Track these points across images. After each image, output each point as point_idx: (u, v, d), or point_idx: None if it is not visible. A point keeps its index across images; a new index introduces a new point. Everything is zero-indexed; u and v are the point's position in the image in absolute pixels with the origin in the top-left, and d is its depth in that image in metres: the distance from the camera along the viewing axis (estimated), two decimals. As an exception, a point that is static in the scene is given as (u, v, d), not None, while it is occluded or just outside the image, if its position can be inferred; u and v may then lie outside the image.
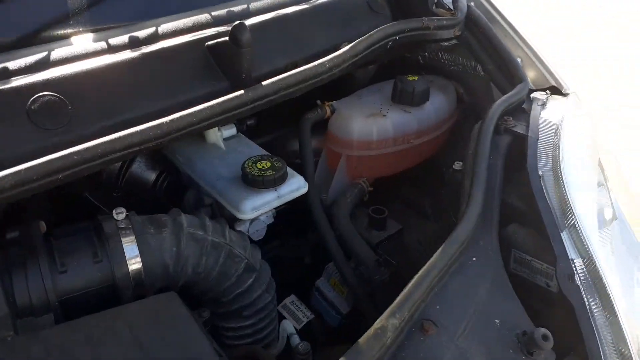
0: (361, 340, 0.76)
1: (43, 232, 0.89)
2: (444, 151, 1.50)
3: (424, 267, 0.86)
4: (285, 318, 1.18)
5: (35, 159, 0.78)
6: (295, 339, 0.95)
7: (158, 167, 1.29)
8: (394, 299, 1.21)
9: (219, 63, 1.07)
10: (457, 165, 1.29)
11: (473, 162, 1.07)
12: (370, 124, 1.29)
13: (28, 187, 0.76)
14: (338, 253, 1.20)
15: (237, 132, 1.22)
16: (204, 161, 1.11)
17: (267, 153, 1.15)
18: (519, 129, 1.17)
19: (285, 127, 1.41)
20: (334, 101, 1.35)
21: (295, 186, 1.05)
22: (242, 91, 0.98)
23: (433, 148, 1.44)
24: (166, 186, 1.28)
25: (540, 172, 1.04)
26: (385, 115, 1.30)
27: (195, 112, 0.91)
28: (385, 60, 1.45)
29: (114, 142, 0.82)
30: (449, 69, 1.55)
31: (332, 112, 1.32)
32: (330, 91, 1.31)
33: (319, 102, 1.34)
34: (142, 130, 0.85)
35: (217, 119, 0.94)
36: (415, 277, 0.85)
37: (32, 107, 0.86)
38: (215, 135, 1.17)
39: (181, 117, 0.89)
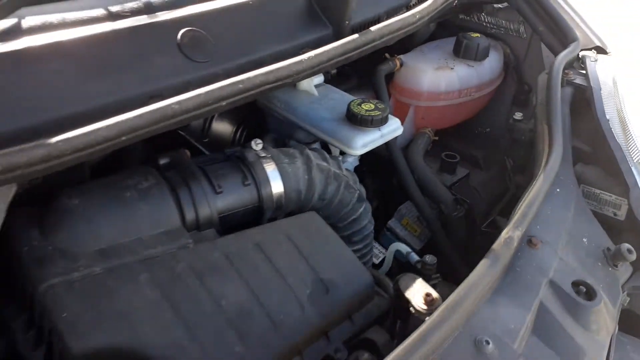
0: (495, 246, 0.88)
1: (187, 160, 0.96)
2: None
3: (533, 190, 0.99)
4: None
5: (190, 89, 0.85)
6: (414, 256, 1.06)
7: (236, 120, 1.36)
8: (466, 233, 1.35)
9: (323, 9, 1.14)
10: (518, 115, 1.43)
11: (547, 110, 1.20)
12: (439, 76, 1.40)
13: (204, 110, 0.83)
14: (416, 192, 1.31)
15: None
16: (304, 105, 1.19)
17: (355, 97, 1.24)
18: (579, 81, 1.31)
19: (353, 79, 1.50)
20: (401, 55, 1.45)
21: (394, 127, 1.15)
22: (356, 35, 1.06)
23: (485, 102, 1.57)
24: (245, 136, 1.36)
25: (607, 117, 1.19)
26: (452, 69, 1.41)
27: (324, 52, 0.99)
28: (443, 19, 1.56)
29: (268, 74, 0.90)
30: (491, 32, 1.68)
31: (401, 64, 1.42)
32: (391, 47, 1.41)
33: (387, 55, 1.43)
34: (288, 65, 0.93)
35: (337, 59, 1.03)
36: (528, 198, 0.97)
37: (183, 40, 0.92)
38: (308, 83, 1.24)
39: (315, 55, 0.97)
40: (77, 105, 0.76)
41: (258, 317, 0.78)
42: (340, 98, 1.23)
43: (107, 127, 0.70)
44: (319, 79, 1.28)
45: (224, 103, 0.85)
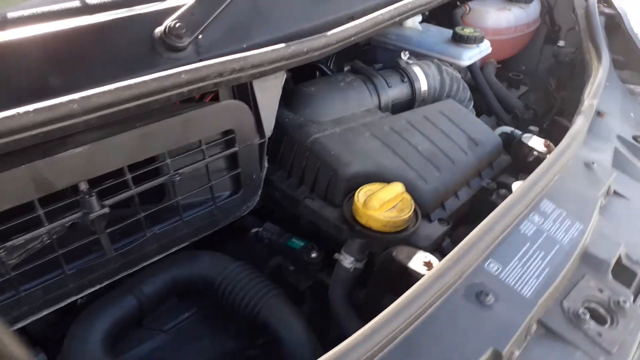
0: (583, 108, 1.28)
1: (358, 69, 1.34)
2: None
3: (597, 80, 1.39)
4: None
5: (368, 14, 1.22)
6: (518, 132, 1.46)
7: (349, 59, 1.73)
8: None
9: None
10: (561, 43, 1.84)
11: (589, 31, 1.61)
12: (500, 15, 1.81)
13: (385, 24, 1.20)
14: (495, 102, 1.71)
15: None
16: (415, 36, 1.58)
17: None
18: (608, 11, 1.74)
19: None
20: (470, 1, 1.85)
21: (487, 45, 1.55)
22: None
23: (529, 38, 1.98)
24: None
25: (635, 32, 1.61)
26: (509, 10, 1.82)
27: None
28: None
29: (406, 4, 1.28)
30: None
31: (470, 9, 1.82)
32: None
33: (458, 2, 1.83)
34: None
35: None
36: (595, 83, 1.38)
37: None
38: (413, 22, 1.63)
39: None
40: (311, 22, 1.13)
41: (442, 157, 1.17)
42: (438, 29, 1.63)
43: (342, 30, 1.08)
44: (419, 18, 1.67)
45: (390, 22, 1.23)
